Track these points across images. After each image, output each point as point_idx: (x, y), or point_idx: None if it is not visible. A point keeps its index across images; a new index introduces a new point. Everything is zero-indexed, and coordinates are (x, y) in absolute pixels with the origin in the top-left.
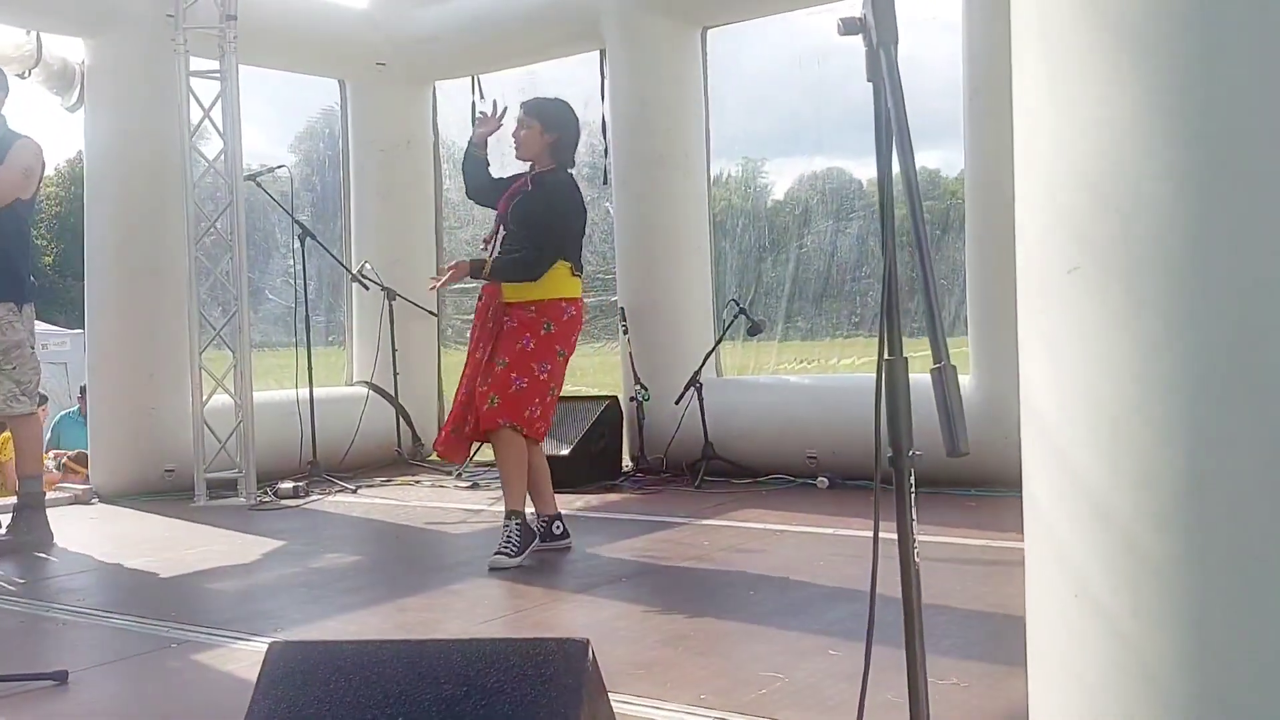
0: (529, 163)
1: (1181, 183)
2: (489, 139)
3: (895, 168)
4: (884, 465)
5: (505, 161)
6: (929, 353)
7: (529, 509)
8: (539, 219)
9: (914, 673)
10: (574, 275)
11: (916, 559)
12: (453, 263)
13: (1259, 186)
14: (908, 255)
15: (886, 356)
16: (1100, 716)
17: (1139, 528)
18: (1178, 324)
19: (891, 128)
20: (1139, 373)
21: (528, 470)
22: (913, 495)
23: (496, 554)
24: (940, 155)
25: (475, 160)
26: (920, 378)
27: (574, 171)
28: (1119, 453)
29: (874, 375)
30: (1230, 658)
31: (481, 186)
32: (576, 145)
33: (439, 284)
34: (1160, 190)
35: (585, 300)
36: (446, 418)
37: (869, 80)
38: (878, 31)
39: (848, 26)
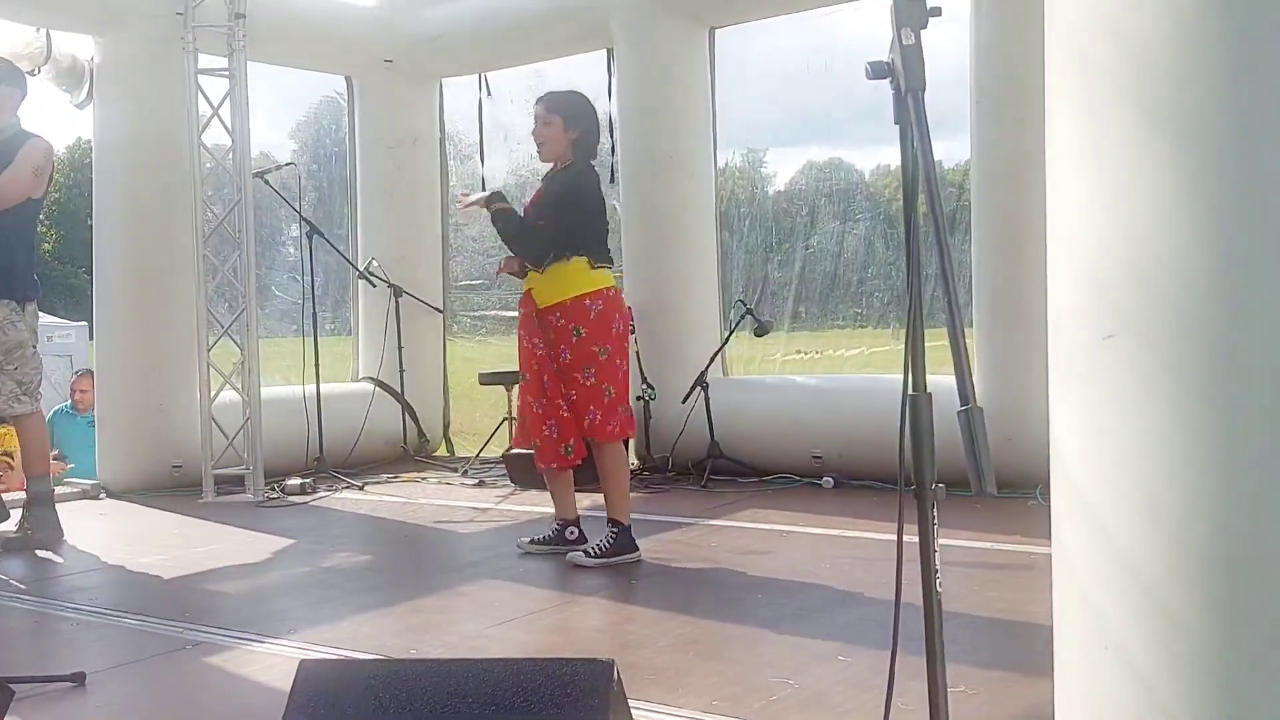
0: (552, 162)
1: (1213, 258)
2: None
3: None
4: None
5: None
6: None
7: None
8: (548, 212)
9: (935, 699)
10: (594, 268)
11: (939, 589)
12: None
13: None
14: (932, 283)
15: (910, 392)
16: None
17: (1175, 596)
18: (1211, 395)
19: (918, 171)
20: (1172, 441)
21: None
22: (935, 527)
23: (580, 549)
24: (942, 146)
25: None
26: (941, 380)
27: (596, 164)
28: (1152, 518)
29: (880, 374)
30: (1253, 715)
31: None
32: (599, 138)
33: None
34: (1192, 264)
35: None
36: (525, 431)
37: (895, 123)
38: (906, 78)
39: (876, 70)
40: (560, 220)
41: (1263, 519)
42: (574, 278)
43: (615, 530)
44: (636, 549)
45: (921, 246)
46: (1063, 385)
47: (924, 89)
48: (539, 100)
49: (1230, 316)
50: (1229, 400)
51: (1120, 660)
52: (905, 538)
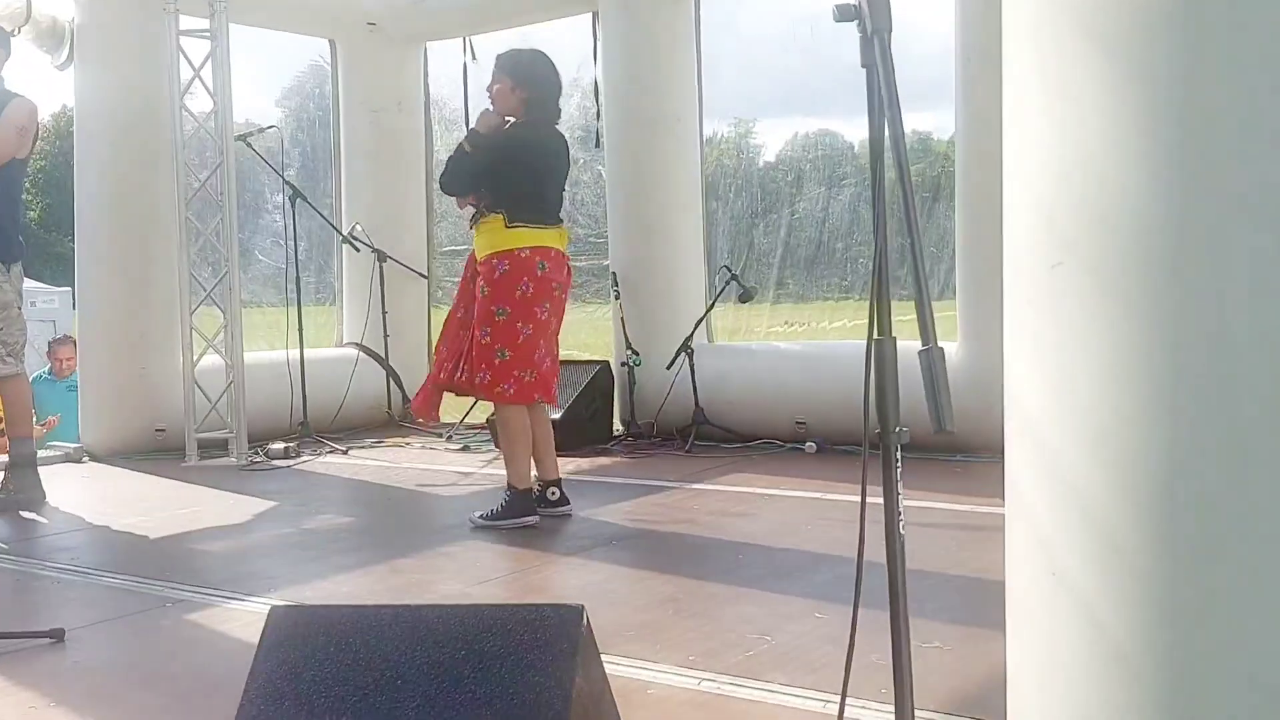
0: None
1: (1159, 186)
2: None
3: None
4: (872, 439)
5: None
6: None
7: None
8: (478, 155)
9: (898, 642)
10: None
11: (902, 531)
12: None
13: (1234, 191)
14: (899, 236)
15: (876, 336)
16: (1074, 692)
17: (1114, 516)
18: (1154, 321)
19: (884, 114)
20: (1116, 367)
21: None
22: (898, 470)
23: (478, 512)
24: (932, 118)
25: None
26: (911, 346)
27: (562, 126)
28: (1096, 443)
29: (863, 341)
30: (1196, 639)
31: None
32: (556, 97)
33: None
34: (1139, 193)
35: (578, 264)
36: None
37: (863, 65)
38: (872, 19)
39: (842, 13)
40: (482, 174)
41: (1203, 444)
42: (491, 236)
43: (509, 494)
44: (533, 513)
45: (911, 191)
46: (1013, 314)
47: (890, 30)
48: (497, 57)
49: (1175, 246)
50: (1172, 327)
51: (1065, 587)
52: (874, 499)
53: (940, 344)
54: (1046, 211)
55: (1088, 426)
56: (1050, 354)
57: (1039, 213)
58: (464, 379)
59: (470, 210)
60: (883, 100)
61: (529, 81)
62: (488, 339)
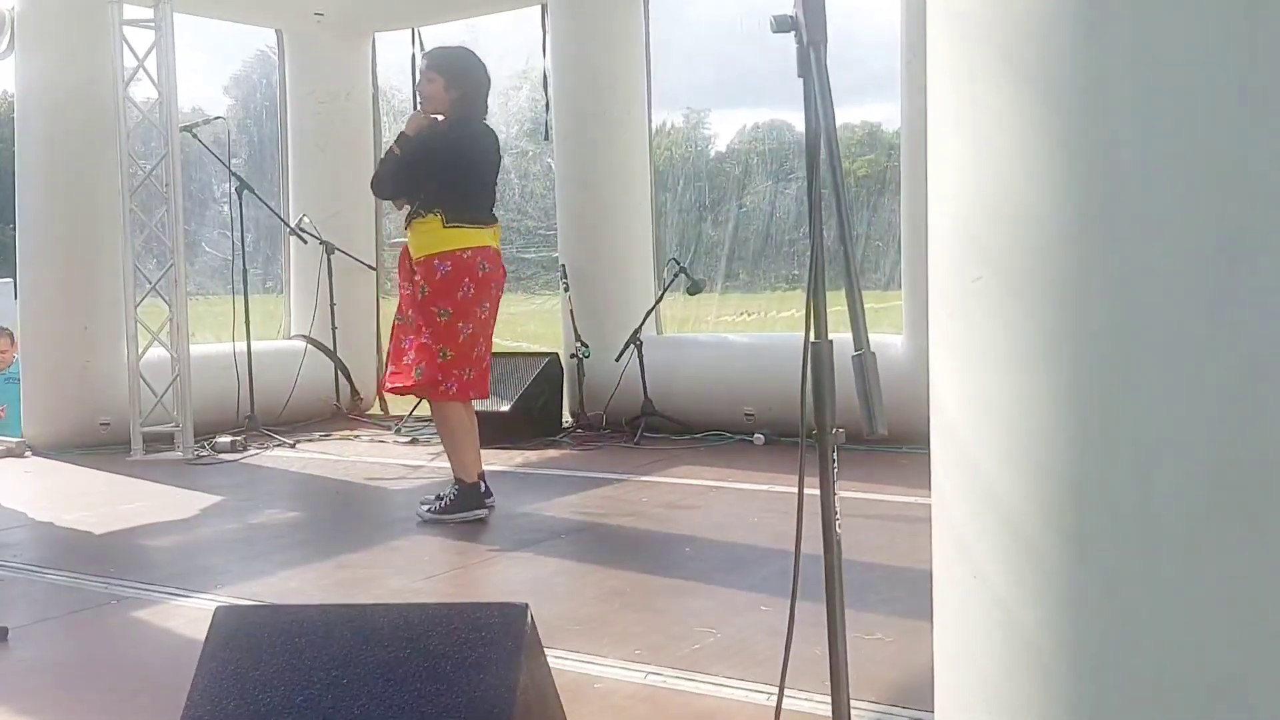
0: (438, 115)
1: (1064, 202)
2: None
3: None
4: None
5: None
6: (868, 306)
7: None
8: (406, 155)
9: (834, 640)
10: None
11: (839, 529)
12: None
13: (1135, 202)
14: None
15: (812, 340)
16: (990, 688)
17: (1026, 517)
18: (1060, 331)
19: (819, 123)
20: (1029, 375)
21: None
22: (835, 469)
23: (422, 503)
24: (882, 109)
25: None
26: (850, 340)
27: (511, 118)
28: (1010, 449)
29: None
30: (1104, 636)
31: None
32: (486, 94)
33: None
34: (1045, 207)
35: (527, 256)
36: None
37: (799, 76)
38: (808, 31)
39: (780, 24)
40: (416, 175)
41: (1108, 447)
42: (428, 236)
43: (456, 488)
44: (481, 506)
45: (846, 203)
46: (937, 324)
47: (825, 42)
48: (424, 54)
49: (1079, 258)
50: (1078, 337)
51: (981, 583)
52: (810, 490)
53: (873, 348)
54: (967, 226)
55: (1001, 431)
56: (969, 365)
57: (960, 227)
58: (402, 378)
59: (406, 209)
60: (818, 110)
61: (460, 79)
62: (426, 339)
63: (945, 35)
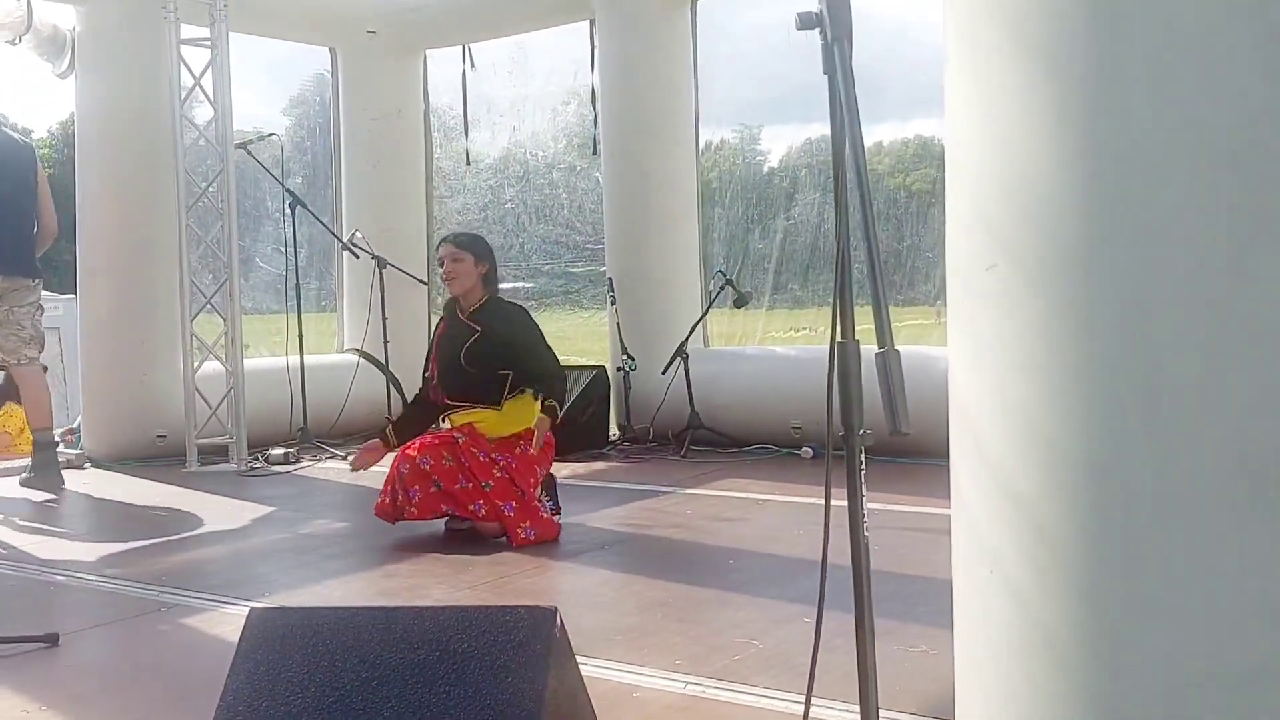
0: (457, 296)
1: (1081, 188)
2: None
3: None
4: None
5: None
6: (916, 321)
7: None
8: (522, 341)
9: (862, 643)
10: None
11: (866, 533)
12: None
13: (1149, 190)
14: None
15: (839, 340)
16: (1007, 677)
17: (1043, 508)
18: (1077, 320)
19: (844, 118)
20: (1044, 364)
21: None
22: (863, 471)
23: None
24: (934, 123)
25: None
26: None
27: (561, 132)
28: (1026, 438)
29: (862, 346)
30: (1122, 628)
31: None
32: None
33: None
34: (1062, 194)
35: (574, 270)
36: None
37: (824, 73)
38: (832, 27)
39: (804, 21)
40: (536, 347)
41: (1127, 438)
42: (527, 411)
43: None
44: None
45: (869, 197)
46: (954, 314)
47: (850, 38)
48: (444, 240)
49: (1096, 245)
50: (1094, 326)
51: (1000, 577)
52: (842, 501)
53: (897, 348)
54: (982, 213)
55: (1018, 423)
56: (985, 353)
57: (976, 215)
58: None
59: None
60: (843, 106)
61: (487, 257)
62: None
63: (961, 17)
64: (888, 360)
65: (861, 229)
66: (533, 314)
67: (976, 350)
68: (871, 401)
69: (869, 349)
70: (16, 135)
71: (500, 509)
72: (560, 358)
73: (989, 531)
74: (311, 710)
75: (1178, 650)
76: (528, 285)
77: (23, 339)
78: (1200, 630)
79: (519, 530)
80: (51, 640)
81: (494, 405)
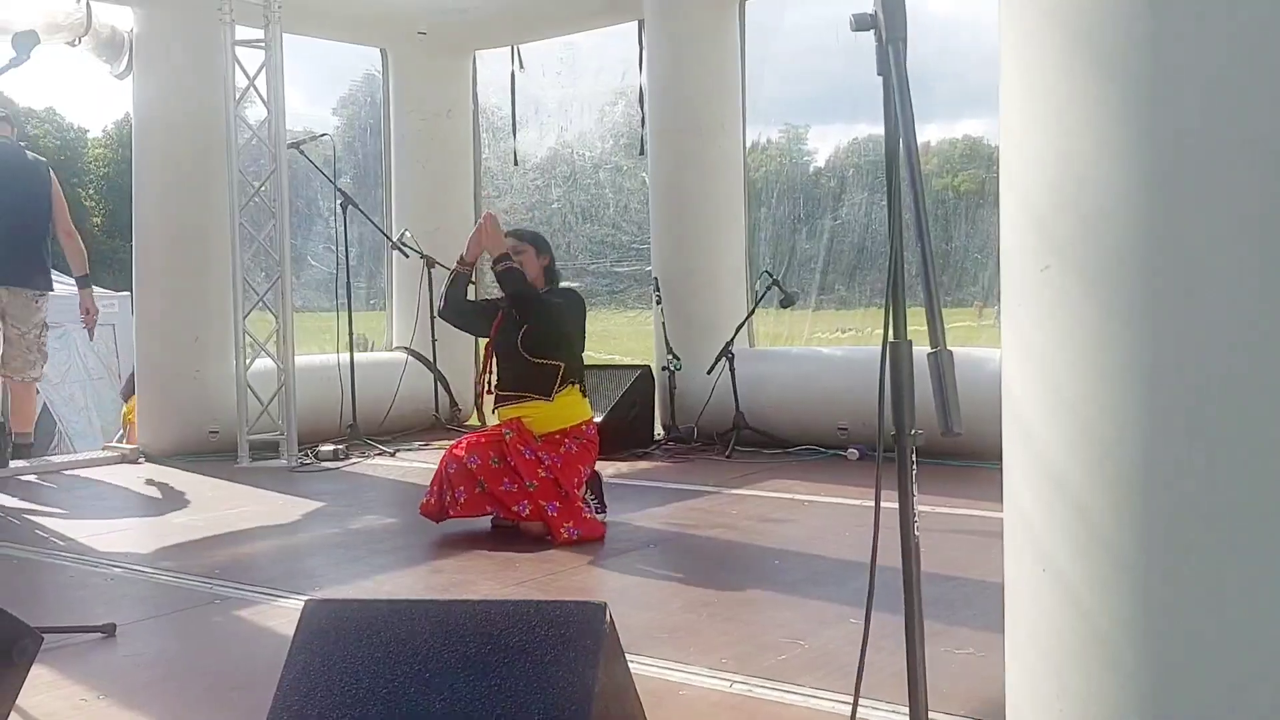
0: None
1: (1137, 190)
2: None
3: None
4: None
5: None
6: (963, 323)
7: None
8: (559, 327)
9: (912, 644)
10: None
11: (916, 533)
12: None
13: (1204, 193)
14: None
15: (891, 339)
16: (1060, 679)
17: (1096, 507)
18: (1132, 321)
19: (898, 120)
20: (1097, 364)
21: None
22: (914, 471)
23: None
24: (983, 124)
25: (463, 280)
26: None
27: (608, 132)
28: (1079, 438)
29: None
30: (1173, 623)
31: (463, 310)
32: None
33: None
34: (1119, 196)
35: (620, 270)
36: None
37: (879, 74)
38: (887, 28)
39: (859, 23)
40: (565, 344)
41: (1181, 439)
42: (576, 406)
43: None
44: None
45: (921, 198)
46: (1008, 315)
47: (905, 39)
48: (510, 233)
49: (1153, 248)
50: (1150, 327)
51: (1053, 576)
52: (892, 503)
53: (949, 349)
54: (1036, 215)
55: (1072, 423)
56: (1039, 354)
57: (1030, 216)
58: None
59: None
60: (897, 107)
61: (548, 250)
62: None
63: (1018, 21)
64: (941, 360)
65: (914, 230)
66: None
67: (1030, 350)
68: (921, 402)
69: (919, 350)
70: (30, 153)
71: (544, 509)
72: (606, 357)
73: (1042, 530)
74: (366, 700)
75: (1232, 649)
76: (574, 285)
77: (30, 361)
78: (1253, 630)
79: (562, 530)
80: (109, 631)
81: (545, 396)
